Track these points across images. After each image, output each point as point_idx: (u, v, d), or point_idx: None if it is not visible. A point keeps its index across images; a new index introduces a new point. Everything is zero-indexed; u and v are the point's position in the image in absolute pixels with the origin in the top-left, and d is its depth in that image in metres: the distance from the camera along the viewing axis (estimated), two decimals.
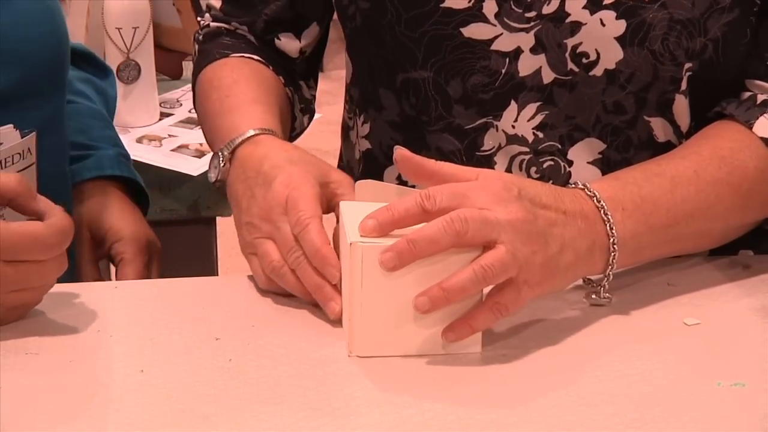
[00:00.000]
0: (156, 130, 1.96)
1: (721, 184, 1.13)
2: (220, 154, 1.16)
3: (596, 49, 1.17)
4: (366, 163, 1.30)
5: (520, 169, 1.21)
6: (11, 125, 1.14)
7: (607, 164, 1.20)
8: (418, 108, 1.23)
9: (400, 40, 1.21)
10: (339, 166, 1.37)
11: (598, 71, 1.17)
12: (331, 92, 3.48)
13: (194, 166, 1.85)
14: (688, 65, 1.17)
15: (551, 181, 1.20)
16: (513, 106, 1.20)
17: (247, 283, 1.16)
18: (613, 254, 1.06)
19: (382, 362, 1.01)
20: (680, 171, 1.12)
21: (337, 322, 1.06)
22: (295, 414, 0.94)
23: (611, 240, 1.06)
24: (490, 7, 1.17)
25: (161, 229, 1.87)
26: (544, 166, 1.20)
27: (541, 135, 1.20)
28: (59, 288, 1.10)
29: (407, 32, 1.20)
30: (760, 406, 0.96)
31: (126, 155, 1.46)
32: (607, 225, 1.06)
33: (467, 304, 1.00)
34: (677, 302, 1.11)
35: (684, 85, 1.18)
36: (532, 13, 1.17)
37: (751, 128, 1.16)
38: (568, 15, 1.16)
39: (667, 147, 1.19)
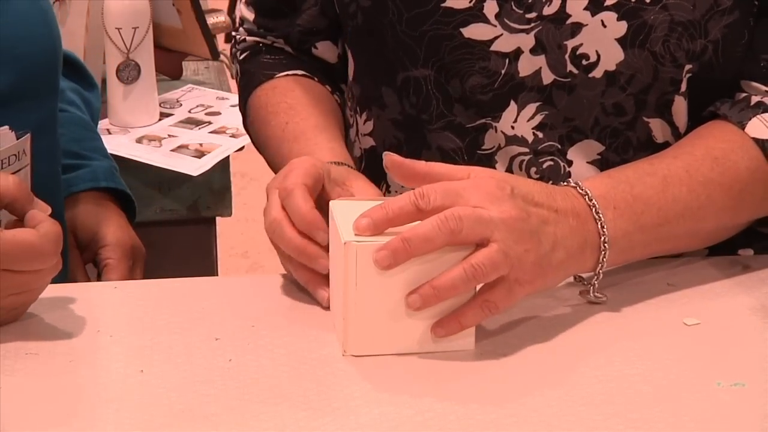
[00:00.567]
0: (156, 130, 1.96)
1: (713, 185, 1.13)
2: None
3: (597, 51, 1.16)
4: (369, 161, 1.30)
5: (521, 169, 1.21)
6: (6, 127, 1.14)
7: (606, 165, 1.20)
8: (418, 106, 1.23)
9: (400, 39, 1.21)
10: None
11: (597, 73, 1.17)
12: None
13: (194, 166, 1.85)
14: (688, 67, 1.17)
15: (551, 181, 1.20)
16: (512, 106, 1.20)
17: (247, 284, 1.16)
18: (603, 253, 1.07)
19: (381, 362, 1.01)
20: (672, 171, 1.12)
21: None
22: (295, 414, 0.94)
23: (602, 238, 1.06)
24: (490, 8, 1.17)
25: (161, 229, 1.88)
26: (544, 166, 1.20)
27: (540, 135, 1.20)
28: (59, 289, 1.11)
29: (408, 31, 1.20)
30: (759, 406, 0.96)
31: (116, 167, 1.50)
32: (598, 223, 1.06)
33: (461, 301, 1.01)
34: (677, 302, 1.11)
35: (683, 87, 1.18)
36: (533, 14, 1.17)
37: (743, 129, 1.16)
38: (569, 16, 1.16)
39: (665, 148, 1.19)
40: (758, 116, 1.16)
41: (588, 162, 1.20)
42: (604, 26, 1.16)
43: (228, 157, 1.90)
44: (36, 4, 1.29)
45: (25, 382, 0.98)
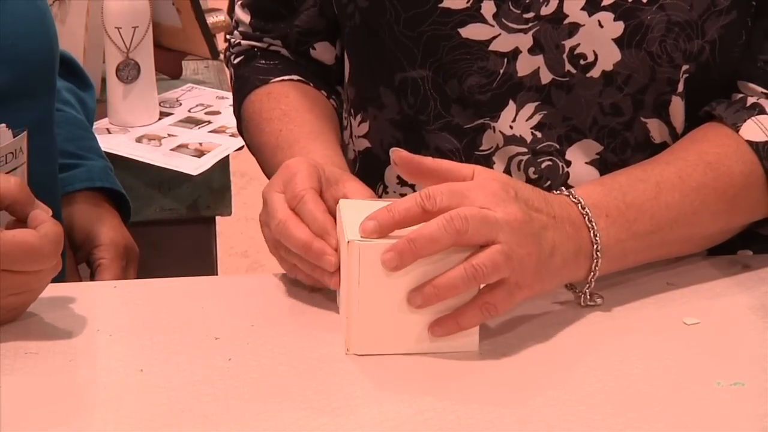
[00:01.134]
0: (155, 130, 1.96)
1: (706, 190, 1.13)
2: None
3: (594, 51, 1.16)
4: (363, 163, 1.30)
5: (519, 170, 1.21)
6: (4, 125, 1.14)
7: (604, 165, 1.20)
8: (416, 107, 1.23)
9: (398, 39, 1.21)
10: None
11: (595, 73, 1.17)
12: None
13: (194, 166, 1.85)
14: (685, 67, 1.17)
15: (549, 182, 1.20)
16: (511, 106, 1.19)
17: (247, 283, 1.16)
18: (596, 261, 1.07)
19: (381, 361, 1.01)
20: (665, 177, 1.12)
21: (338, 323, 1.06)
22: (294, 413, 0.94)
23: (595, 246, 1.07)
24: (488, 8, 1.17)
25: (161, 229, 1.88)
26: (542, 166, 1.20)
27: (539, 135, 1.20)
28: (58, 288, 1.10)
29: (406, 32, 1.20)
30: (759, 406, 0.96)
31: (111, 167, 1.50)
32: (591, 232, 1.07)
33: (463, 301, 1.01)
34: (676, 301, 1.11)
35: (681, 87, 1.18)
36: (531, 14, 1.17)
37: (737, 131, 1.16)
38: (567, 16, 1.16)
39: (663, 148, 1.19)
40: (753, 118, 1.16)
41: (586, 162, 1.20)
42: (601, 26, 1.15)
43: (228, 156, 1.90)
44: (33, 3, 1.29)
45: (25, 381, 0.98)
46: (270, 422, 0.93)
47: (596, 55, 1.17)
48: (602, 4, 1.15)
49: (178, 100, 2.07)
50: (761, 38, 1.18)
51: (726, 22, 1.17)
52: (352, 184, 1.11)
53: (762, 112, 1.16)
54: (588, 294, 1.09)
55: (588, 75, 1.17)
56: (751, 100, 1.18)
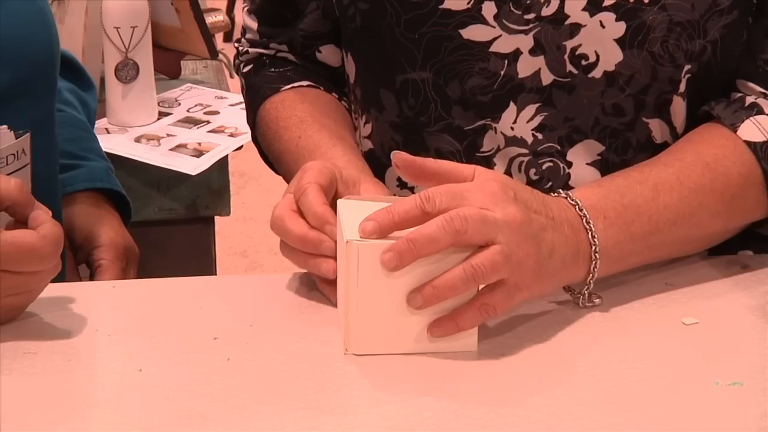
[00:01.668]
0: (154, 130, 1.96)
1: (704, 191, 1.13)
2: None
3: (596, 51, 1.16)
4: (368, 164, 1.30)
5: (519, 171, 1.21)
6: (5, 126, 1.14)
7: (606, 166, 1.20)
8: (417, 109, 1.23)
9: (399, 41, 1.21)
10: None
11: (597, 73, 1.17)
12: None
13: (192, 166, 1.85)
14: (687, 67, 1.17)
15: (551, 183, 1.20)
16: (512, 107, 1.19)
17: (246, 283, 1.16)
18: (594, 263, 1.07)
19: (379, 361, 1.01)
20: (663, 178, 1.12)
21: (337, 323, 1.06)
22: (293, 413, 0.94)
23: (593, 248, 1.07)
24: (488, 9, 1.17)
25: (159, 229, 1.88)
26: (543, 167, 1.20)
27: (540, 136, 1.20)
28: (57, 288, 1.10)
29: (407, 33, 1.20)
30: (758, 406, 0.96)
31: (111, 168, 1.50)
32: (589, 234, 1.07)
33: (463, 302, 1.01)
34: (675, 301, 1.11)
35: (682, 87, 1.18)
36: (531, 15, 1.17)
37: (735, 132, 1.15)
38: (568, 17, 1.16)
39: (664, 148, 1.19)
40: (751, 118, 1.16)
41: (587, 163, 1.20)
42: (603, 27, 1.16)
43: (227, 156, 1.90)
44: (33, 3, 1.29)
45: (24, 381, 0.98)
46: (269, 422, 0.93)
47: (598, 56, 1.17)
48: (604, 5, 1.15)
49: (176, 100, 2.07)
50: (761, 37, 1.18)
51: (727, 22, 1.17)
52: (369, 186, 1.11)
53: (760, 112, 1.16)
54: (587, 295, 1.09)
55: (590, 75, 1.17)
56: (749, 100, 1.18)
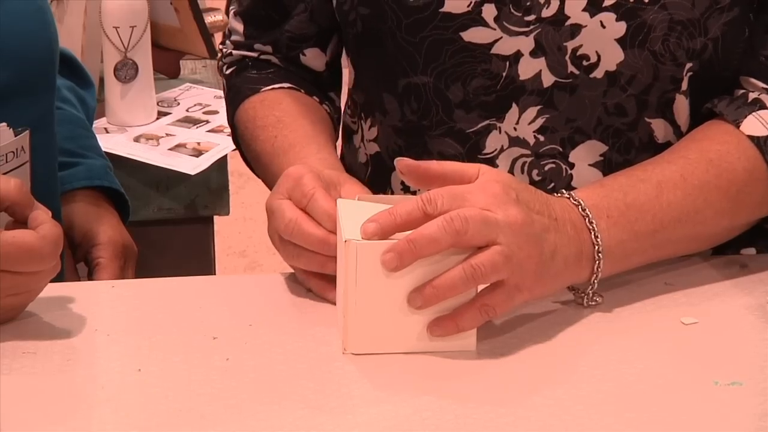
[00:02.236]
0: (153, 129, 1.95)
1: (709, 188, 1.12)
2: None
3: (597, 51, 1.16)
4: (374, 166, 1.30)
5: (522, 172, 1.20)
6: (4, 123, 1.14)
7: (608, 166, 1.20)
8: (419, 113, 1.23)
9: (400, 45, 1.21)
10: None
11: (598, 73, 1.17)
12: None
13: (191, 165, 1.85)
14: (689, 65, 1.17)
15: (553, 184, 1.20)
16: (514, 109, 1.19)
17: (245, 283, 1.16)
18: (598, 262, 1.07)
19: (378, 361, 1.01)
20: (667, 175, 1.12)
21: (336, 322, 1.06)
22: (292, 413, 0.94)
23: (596, 248, 1.06)
24: (489, 11, 1.17)
25: (158, 228, 1.88)
26: (546, 168, 1.20)
27: (542, 138, 1.20)
28: (57, 288, 1.10)
29: (408, 37, 1.20)
30: (757, 405, 0.96)
31: (110, 166, 1.50)
32: (592, 233, 1.06)
33: (462, 302, 1.01)
34: (674, 301, 1.11)
35: (685, 85, 1.18)
36: (532, 17, 1.16)
37: (738, 127, 1.15)
38: (568, 18, 1.16)
39: (667, 148, 1.19)
40: (754, 113, 1.16)
41: (590, 164, 1.20)
42: (603, 27, 1.15)
43: (226, 155, 1.90)
44: (33, 1, 1.29)
45: (23, 381, 0.98)
46: (268, 422, 0.93)
47: (599, 56, 1.16)
48: (604, 5, 1.15)
49: (176, 100, 2.07)
50: (762, 33, 1.18)
51: (728, 19, 1.17)
52: (350, 186, 1.11)
53: (763, 107, 1.16)
54: (591, 294, 1.09)
55: (591, 76, 1.17)
56: (752, 96, 1.18)
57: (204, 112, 2.03)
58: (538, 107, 1.19)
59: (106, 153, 1.56)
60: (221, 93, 2.10)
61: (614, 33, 1.16)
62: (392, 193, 1.27)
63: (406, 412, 0.94)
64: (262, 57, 1.35)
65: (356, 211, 1.03)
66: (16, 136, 1.14)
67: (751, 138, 1.15)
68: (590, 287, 1.08)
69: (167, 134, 1.94)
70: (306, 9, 1.31)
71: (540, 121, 1.19)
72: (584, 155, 1.20)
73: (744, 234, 1.19)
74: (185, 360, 1.01)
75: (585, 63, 1.17)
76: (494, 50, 1.18)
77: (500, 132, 1.20)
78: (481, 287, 1.01)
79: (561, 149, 1.20)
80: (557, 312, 1.09)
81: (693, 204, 1.12)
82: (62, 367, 1.01)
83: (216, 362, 1.01)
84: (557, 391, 0.97)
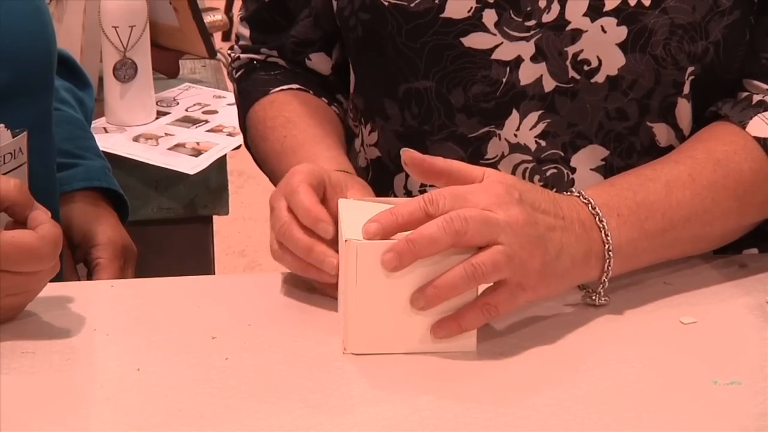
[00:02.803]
0: (152, 129, 1.95)
1: (716, 187, 1.12)
2: None
3: (598, 56, 1.16)
4: (375, 171, 1.30)
5: (524, 177, 1.20)
6: (2, 124, 1.14)
7: (610, 171, 1.20)
8: (420, 118, 1.23)
9: (401, 50, 1.21)
10: None
11: (599, 78, 1.17)
12: None
13: (191, 165, 1.85)
14: (690, 69, 1.17)
15: (554, 189, 1.20)
16: (515, 114, 1.19)
17: (244, 282, 1.16)
18: (608, 261, 1.06)
19: (378, 361, 1.01)
20: (675, 175, 1.12)
21: (335, 322, 1.06)
22: (291, 413, 0.94)
23: (606, 247, 1.06)
24: (489, 17, 1.17)
25: (158, 228, 1.88)
26: (547, 174, 1.20)
27: (543, 143, 1.20)
28: (56, 288, 1.10)
29: (408, 43, 1.20)
30: (756, 405, 0.96)
31: (109, 167, 1.50)
32: (602, 232, 1.06)
33: (463, 302, 1.01)
34: (674, 301, 1.11)
35: (686, 89, 1.18)
36: (532, 22, 1.16)
37: (744, 128, 1.15)
38: (569, 23, 1.16)
39: (668, 152, 1.19)
40: (759, 115, 1.16)
41: (592, 169, 1.20)
42: (604, 32, 1.15)
43: (225, 155, 1.90)
44: (31, 2, 1.29)
45: (22, 380, 0.98)
46: (267, 421, 0.93)
47: (600, 61, 1.16)
48: (604, 10, 1.15)
49: (175, 99, 2.07)
50: (763, 36, 1.18)
51: (729, 22, 1.16)
52: (357, 190, 1.11)
53: (767, 108, 1.16)
54: (602, 293, 1.09)
55: (593, 80, 1.17)
56: (756, 98, 1.18)
57: (203, 112, 2.03)
58: (540, 112, 1.19)
59: (105, 152, 1.56)
60: (220, 93, 2.11)
61: (615, 38, 1.15)
62: (395, 196, 1.27)
63: (405, 412, 0.94)
64: (270, 59, 1.35)
65: (357, 211, 1.03)
66: (14, 137, 1.14)
67: (757, 139, 1.15)
68: (601, 286, 1.08)
69: (166, 134, 1.94)
70: (311, 14, 1.31)
71: (541, 126, 1.19)
72: (586, 160, 1.20)
73: (746, 235, 1.20)
74: (184, 359, 1.01)
75: (586, 68, 1.17)
76: (495, 56, 1.18)
77: (500, 139, 1.20)
78: (483, 288, 1.01)
79: (562, 154, 1.20)
80: (557, 312, 1.09)
81: (701, 203, 1.12)
82: (61, 367, 1.01)
83: (215, 362, 1.01)
84: (557, 390, 0.97)
